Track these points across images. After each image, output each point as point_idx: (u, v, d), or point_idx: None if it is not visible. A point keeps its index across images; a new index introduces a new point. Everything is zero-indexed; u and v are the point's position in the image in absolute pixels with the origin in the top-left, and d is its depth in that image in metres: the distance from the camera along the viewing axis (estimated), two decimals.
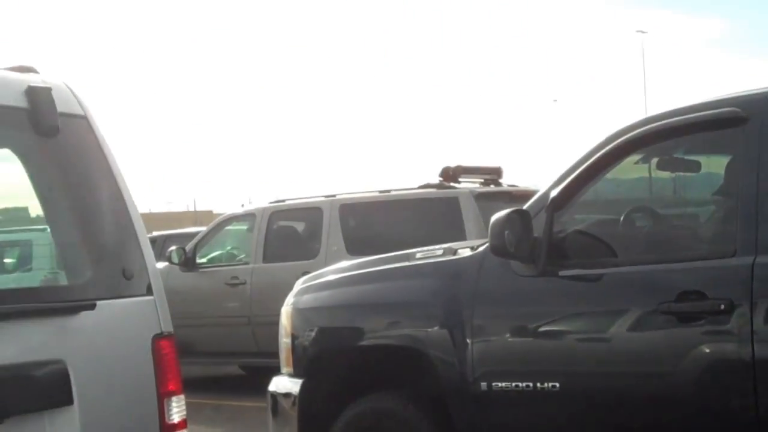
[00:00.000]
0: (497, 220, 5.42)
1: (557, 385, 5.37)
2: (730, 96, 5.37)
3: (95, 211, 4.39)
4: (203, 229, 16.18)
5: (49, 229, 4.62)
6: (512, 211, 5.44)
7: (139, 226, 4.41)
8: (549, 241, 5.39)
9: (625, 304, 5.33)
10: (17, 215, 5.92)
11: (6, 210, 5.56)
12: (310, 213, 13.66)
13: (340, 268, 6.83)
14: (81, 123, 4.38)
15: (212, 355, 14.17)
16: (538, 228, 5.42)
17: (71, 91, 4.42)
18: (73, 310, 4.07)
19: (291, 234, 14.24)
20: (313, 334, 6.47)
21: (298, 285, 6.78)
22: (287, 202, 14.84)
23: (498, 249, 5.43)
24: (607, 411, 5.36)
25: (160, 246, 17.16)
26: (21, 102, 4.18)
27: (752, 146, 5.10)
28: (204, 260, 14.74)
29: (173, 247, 14.58)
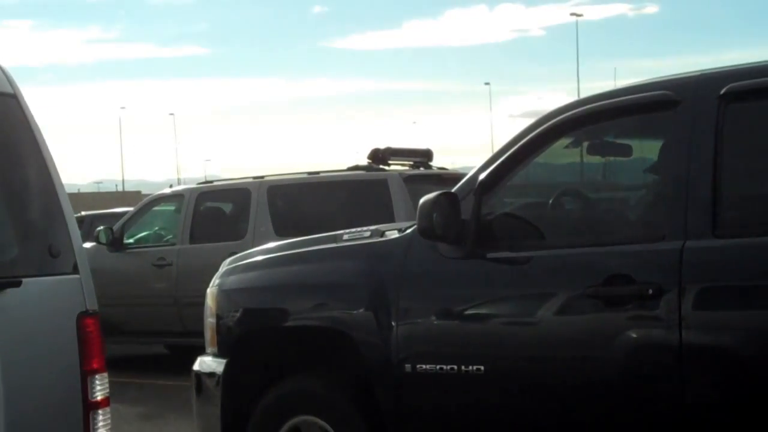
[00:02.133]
0: (425, 203, 5.42)
1: (482, 368, 5.38)
2: (661, 79, 5.40)
3: (23, 190, 4.37)
4: (131, 209, 16.09)
5: None
6: (440, 194, 5.44)
7: (66, 205, 4.39)
8: (477, 223, 5.38)
9: (552, 288, 5.35)
10: None
11: None
12: (238, 194, 13.64)
13: (266, 249, 6.82)
14: (11, 101, 4.36)
15: (138, 334, 14.13)
16: (467, 211, 5.42)
17: (2, 70, 4.38)
18: None
19: (219, 215, 14.21)
20: (238, 314, 6.46)
21: (224, 266, 6.77)
22: (215, 183, 14.82)
23: (426, 231, 5.44)
24: (532, 395, 5.38)
25: (88, 225, 17.05)
26: None
27: (683, 130, 5.11)
28: (131, 240, 14.67)
29: (101, 227, 14.51)
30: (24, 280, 4.11)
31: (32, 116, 4.42)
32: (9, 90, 4.38)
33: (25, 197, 4.39)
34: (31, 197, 4.40)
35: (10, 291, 4.07)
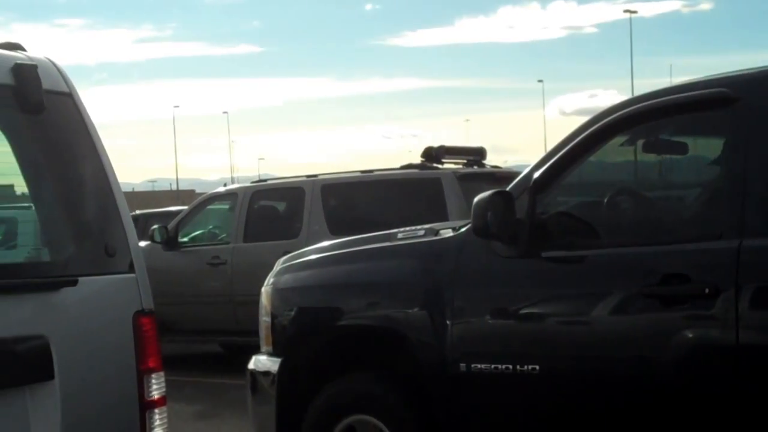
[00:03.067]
0: (480, 201, 5.40)
1: (537, 367, 5.36)
2: (718, 76, 5.35)
3: (79, 189, 4.39)
4: (185, 208, 16.17)
5: (33, 207, 4.61)
6: (495, 193, 5.42)
7: (122, 203, 4.41)
8: (531, 222, 5.36)
9: (607, 287, 5.31)
10: (2, 192, 5.90)
11: None
12: (292, 193, 13.67)
13: (320, 247, 6.83)
14: (66, 100, 4.37)
15: (193, 333, 14.21)
16: (521, 210, 5.39)
17: (57, 68, 4.41)
18: (55, 286, 4.07)
19: (272, 214, 14.26)
20: (292, 313, 6.47)
21: (279, 265, 6.78)
22: (269, 182, 14.87)
23: (480, 230, 5.42)
24: (587, 395, 5.34)
25: (142, 224, 17.15)
26: (6, 79, 4.17)
27: (740, 128, 5.06)
28: (186, 239, 14.74)
29: (156, 226, 14.59)
30: (80, 279, 4.12)
31: (88, 115, 4.44)
32: (64, 89, 4.40)
33: (81, 196, 4.41)
34: (87, 196, 4.42)
35: (66, 290, 4.09)
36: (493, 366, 5.48)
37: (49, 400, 4.02)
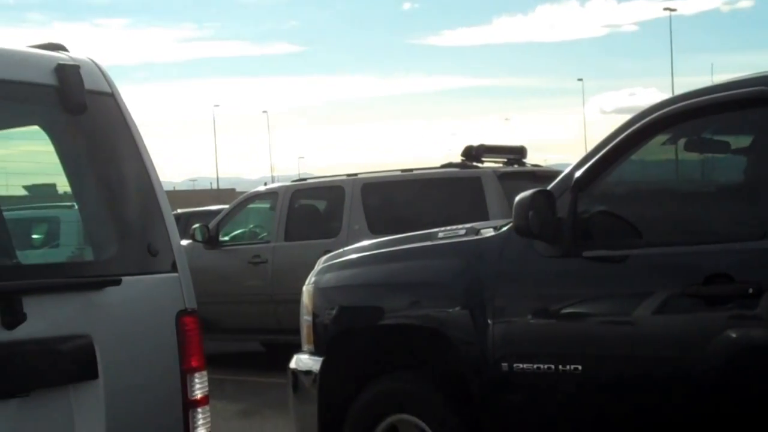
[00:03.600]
0: (521, 201, 5.38)
1: (580, 368, 5.33)
2: (760, 74, 5.30)
3: (121, 188, 4.41)
4: (226, 207, 16.22)
5: (76, 206, 4.64)
6: (536, 191, 5.40)
7: (164, 203, 4.43)
8: (573, 221, 5.34)
9: (650, 287, 5.27)
10: (45, 192, 5.94)
11: (34, 186, 5.58)
12: (332, 192, 13.68)
13: (361, 247, 6.83)
14: (108, 100, 4.40)
15: (234, 331, 14.24)
16: (563, 209, 5.37)
17: (99, 68, 4.44)
18: (99, 286, 4.10)
19: (313, 213, 14.28)
20: (334, 312, 6.47)
21: (320, 264, 6.79)
22: (309, 181, 14.88)
23: (522, 229, 5.40)
24: (631, 395, 5.31)
25: (183, 223, 17.22)
26: (50, 79, 4.21)
27: None
28: (227, 238, 14.78)
29: (197, 225, 14.64)
30: (123, 278, 4.15)
31: (129, 114, 4.46)
32: (106, 89, 4.42)
33: (124, 196, 4.43)
34: (130, 196, 4.44)
35: (110, 289, 4.11)
36: (535, 366, 5.46)
37: (93, 399, 4.04)
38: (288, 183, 14.80)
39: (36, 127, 4.49)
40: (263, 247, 14.08)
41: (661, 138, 5.61)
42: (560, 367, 5.38)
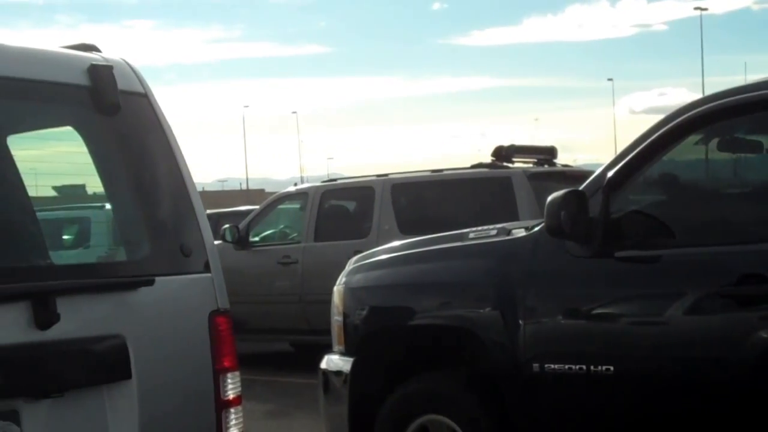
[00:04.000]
0: (553, 200, 5.37)
1: (611, 368, 5.32)
2: None
3: (155, 189, 4.41)
4: (256, 207, 16.24)
5: (108, 206, 4.65)
6: (568, 191, 5.39)
7: (198, 203, 4.42)
8: (605, 221, 5.33)
9: (683, 287, 5.26)
10: (75, 192, 5.96)
11: (66, 187, 5.60)
12: (362, 192, 13.68)
13: (392, 247, 6.84)
14: (141, 101, 4.40)
15: (264, 332, 14.25)
16: (595, 209, 5.36)
17: (132, 69, 4.44)
18: (133, 286, 4.10)
19: (343, 213, 14.29)
20: (364, 313, 6.48)
21: (351, 264, 6.79)
22: (339, 182, 14.89)
23: (554, 229, 5.39)
24: (663, 396, 5.29)
25: (213, 224, 17.14)
26: (83, 80, 4.21)
27: None
28: (257, 239, 14.80)
29: (227, 226, 14.65)
30: (157, 278, 4.14)
31: (163, 115, 4.46)
32: (140, 89, 4.42)
33: (157, 196, 4.43)
34: (163, 196, 4.43)
35: (143, 290, 4.11)
36: (566, 366, 5.45)
37: (127, 399, 4.04)
38: (318, 183, 14.81)
39: (69, 128, 4.49)
40: (293, 248, 14.09)
41: (694, 138, 5.59)
42: (591, 367, 5.37)
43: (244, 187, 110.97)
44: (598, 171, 5.62)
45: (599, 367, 5.35)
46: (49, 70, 4.20)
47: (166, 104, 4.49)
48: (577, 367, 5.41)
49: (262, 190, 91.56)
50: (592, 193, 5.45)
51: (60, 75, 4.21)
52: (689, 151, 5.71)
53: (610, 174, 5.42)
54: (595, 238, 5.35)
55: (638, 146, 5.46)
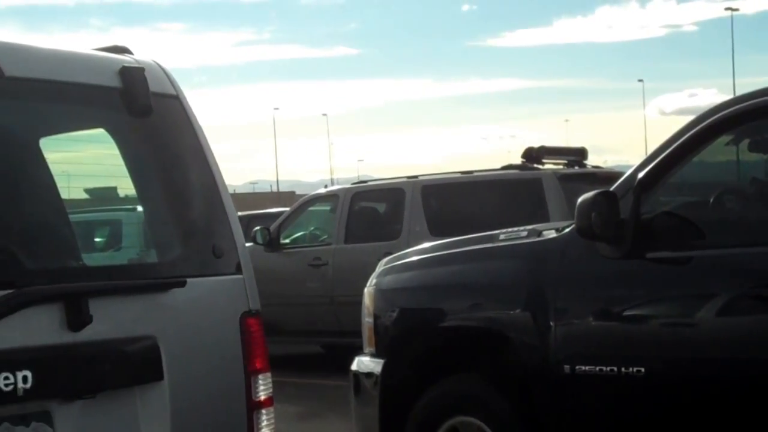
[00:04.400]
0: (584, 202, 5.36)
1: (642, 370, 5.30)
2: None
3: (187, 190, 4.40)
4: (286, 209, 16.27)
5: (140, 208, 4.66)
6: (599, 193, 5.37)
7: (229, 205, 4.42)
8: (636, 222, 5.30)
9: (714, 288, 5.25)
10: (106, 195, 5.97)
11: (95, 189, 5.61)
12: (393, 194, 13.69)
13: (422, 249, 6.83)
14: (173, 103, 4.40)
15: (294, 333, 14.26)
16: (626, 210, 5.34)
17: (164, 71, 4.44)
18: (164, 287, 4.10)
19: (373, 215, 14.30)
20: (395, 314, 6.49)
21: (381, 265, 6.79)
22: (369, 183, 14.90)
23: (584, 231, 5.37)
24: (695, 398, 5.28)
25: (244, 226, 17.19)
26: (115, 82, 4.21)
27: None
28: (287, 241, 14.82)
29: (258, 228, 14.68)
30: (188, 280, 4.14)
31: (195, 117, 4.45)
32: (171, 91, 4.42)
33: (189, 198, 4.43)
34: (195, 198, 4.43)
35: (175, 291, 4.11)
36: (597, 368, 5.44)
37: (159, 400, 4.04)
38: (348, 185, 14.83)
39: (101, 130, 4.49)
40: (324, 250, 14.11)
41: (725, 138, 5.57)
42: (623, 369, 5.35)
43: (274, 189, 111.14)
44: (629, 172, 5.60)
45: (630, 369, 5.33)
46: (82, 72, 4.20)
47: (197, 107, 4.50)
48: (608, 368, 5.40)
49: (292, 192, 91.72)
50: (623, 194, 5.43)
51: (92, 77, 4.21)
52: (720, 151, 5.69)
53: (641, 175, 5.40)
54: (626, 239, 5.32)
55: (669, 147, 5.44)
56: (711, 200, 5.63)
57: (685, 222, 5.48)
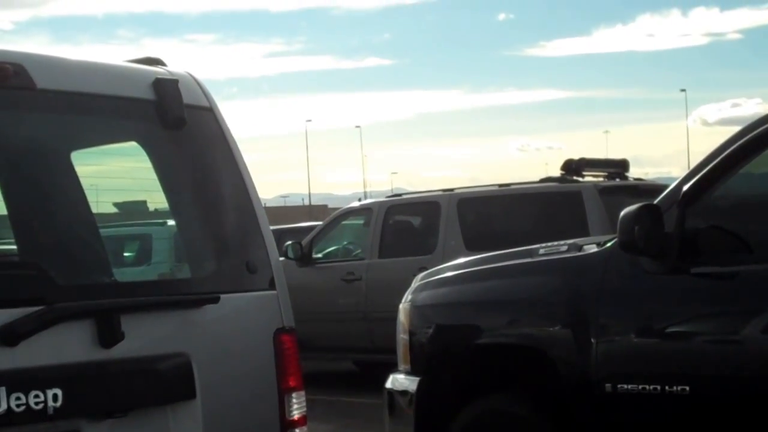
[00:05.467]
0: (627, 215, 5.26)
1: (687, 389, 5.20)
2: None
3: (220, 204, 4.38)
4: (319, 223, 16.21)
5: (171, 222, 4.62)
6: (642, 206, 5.27)
7: (263, 220, 4.40)
8: (680, 237, 5.20)
9: (761, 304, 5.13)
10: (136, 209, 5.94)
11: (125, 203, 5.58)
12: (428, 207, 13.57)
13: (459, 264, 6.75)
14: (207, 115, 4.37)
15: (327, 350, 14.15)
16: (670, 224, 5.23)
17: (197, 82, 4.42)
18: (197, 303, 4.06)
19: (408, 229, 14.20)
20: (431, 331, 6.40)
21: (417, 281, 6.72)
22: (404, 197, 14.81)
23: (627, 245, 5.27)
24: (742, 418, 5.17)
25: (275, 240, 17.18)
26: (148, 94, 4.19)
27: None
28: (320, 255, 14.74)
29: (289, 242, 14.60)
30: (222, 296, 4.10)
31: (228, 129, 4.43)
32: (205, 103, 4.40)
33: (223, 212, 4.40)
34: (229, 212, 4.40)
35: (208, 307, 4.07)
36: (640, 387, 5.34)
37: (191, 419, 4.00)
38: (383, 199, 14.75)
39: (134, 143, 4.46)
40: (357, 264, 14.01)
41: None
42: (667, 388, 5.26)
43: (306, 202, 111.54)
44: (673, 185, 5.51)
45: (675, 388, 5.23)
46: (114, 84, 4.19)
47: (227, 118, 4.46)
48: (652, 387, 5.30)
49: (324, 206, 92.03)
50: (668, 208, 5.32)
51: (125, 89, 4.20)
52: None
53: (685, 187, 5.29)
54: (671, 253, 5.22)
55: (715, 159, 5.34)
56: (758, 214, 5.52)
57: (732, 236, 5.35)
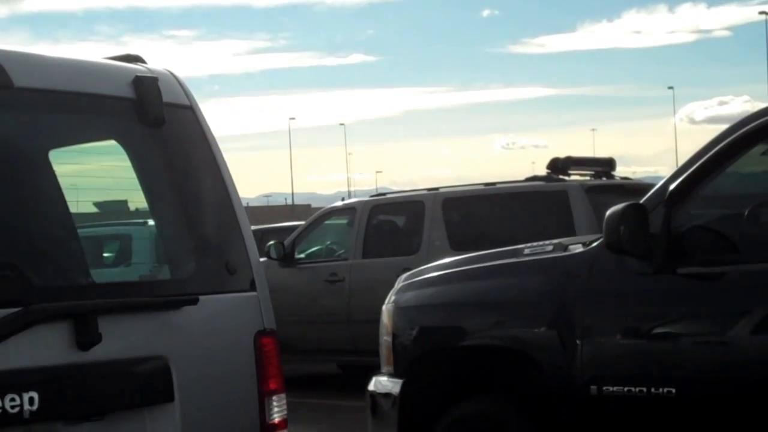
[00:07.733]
0: (612, 215, 5.22)
1: (673, 390, 5.17)
2: None
3: (199, 204, 4.36)
4: (301, 223, 16.15)
5: (150, 222, 4.58)
6: (628, 205, 5.24)
7: (243, 220, 4.37)
8: (667, 237, 5.16)
9: (748, 305, 5.13)
10: (116, 208, 5.89)
11: (105, 203, 5.54)
12: (412, 207, 13.52)
13: (443, 264, 6.71)
14: (187, 113, 4.35)
15: (309, 352, 14.08)
16: (656, 224, 5.19)
17: (177, 80, 4.40)
18: (176, 305, 4.03)
19: (392, 229, 14.15)
20: (414, 333, 6.37)
21: (400, 282, 6.68)
22: (388, 196, 14.75)
23: (613, 245, 5.24)
24: (728, 420, 5.15)
25: (258, 240, 17.11)
26: (127, 92, 4.17)
27: None
28: (302, 255, 14.67)
29: (272, 242, 14.53)
30: (201, 297, 4.07)
31: (208, 128, 4.42)
32: (185, 101, 4.37)
33: (202, 212, 4.38)
34: (208, 212, 4.38)
35: (187, 309, 4.03)
36: (626, 389, 5.31)
37: (169, 422, 3.97)
38: (366, 198, 14.69)
39: (112, 142, 4.44)
40: (340, 265, 13.95)
41: (761, 148, 5.43)
42: (653, 389, 5.24)
43: (289, 202, 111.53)
44: (659, 184, 5.50)
45: (661, 390, 5.20)
46: (93, 82, 4.17)
47: (209, 116, 4.42)
48: (638, 389, 5.27)
49: (308, 206, 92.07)
50: (654, 207, 5.29)
51: (104, 87, 4.18)
52: (755, 162, 5.56)
53: (672, 187, 5.27)
54: (657, 254, 5.19)
55: (701, 158, 5.32)
56: (745, 213, 5.49)
57: (718, 236, 5.34)
